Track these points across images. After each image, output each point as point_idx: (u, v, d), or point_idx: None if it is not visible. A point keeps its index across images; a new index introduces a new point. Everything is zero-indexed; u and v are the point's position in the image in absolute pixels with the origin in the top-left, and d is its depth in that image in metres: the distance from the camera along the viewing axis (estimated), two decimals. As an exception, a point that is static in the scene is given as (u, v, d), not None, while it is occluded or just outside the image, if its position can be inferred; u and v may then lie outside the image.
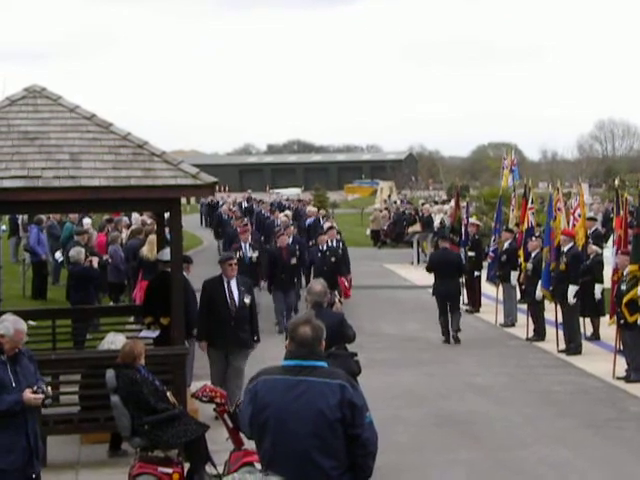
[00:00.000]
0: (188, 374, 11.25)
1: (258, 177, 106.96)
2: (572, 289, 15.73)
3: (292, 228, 21.88)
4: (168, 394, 8.98)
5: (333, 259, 18.61)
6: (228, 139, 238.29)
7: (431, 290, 17.96)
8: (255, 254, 18.15)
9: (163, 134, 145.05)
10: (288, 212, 30.74)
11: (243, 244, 18.37)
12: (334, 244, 19.29)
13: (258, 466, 6.04)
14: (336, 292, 17.31)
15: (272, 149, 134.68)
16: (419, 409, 12.52)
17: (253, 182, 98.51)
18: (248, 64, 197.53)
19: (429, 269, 18.17)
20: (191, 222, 41.87)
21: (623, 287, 13.66)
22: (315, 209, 32.30)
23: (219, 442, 9.20)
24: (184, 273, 11.24)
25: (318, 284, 9.33)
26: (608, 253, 18.75)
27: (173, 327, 10.31)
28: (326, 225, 22.75)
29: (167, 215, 11.25)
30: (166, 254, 11.21)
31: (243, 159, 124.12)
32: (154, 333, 11.26)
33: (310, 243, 22.78)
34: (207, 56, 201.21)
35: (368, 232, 39.89)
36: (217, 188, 11.60)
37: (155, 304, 11.29)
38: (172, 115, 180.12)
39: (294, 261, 18.60)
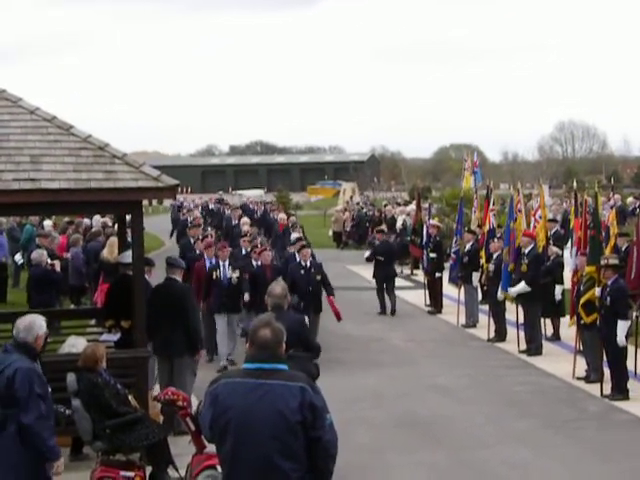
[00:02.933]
0: (150, 377, 11.18)
1: (221, 178, 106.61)
2: (522, 286, 15.89)
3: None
4: (130, 397, 8.94)
5: (319, 277, 16.22)
6: (191, 140, 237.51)
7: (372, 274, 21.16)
8: (236, 274, 15.50)
9: (125, 135, 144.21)
10: (246, 219, 27.56)
11: (222, 263, 15.57)
12: (315, 259, 17.24)
13: (220, 469, 6.04)
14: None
15: (235, 150, 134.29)
16: (381, 410, 12.57)
17: (216, 183, 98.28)
18: (211, 65, 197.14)
19: (369, 259, 21.40)
20: (153, 224, 41.62)
21: (582, 288, 13.82)
22: (285, 216, 29.26)
23: (181, 445, 9.18)
24: (145, 276, 11.19)
25: (278, 286, 9.33)
26: (567, 254, 18.96)
27: (134, 330, 10.27)
28: (294, 236, 20.44)
29: (129, 217, 11.19)
30: (127, 257, 11.14)
31: (206, 160, 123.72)
32: (115, 336, 11.18)
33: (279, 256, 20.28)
34: (170, 57, 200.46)
35: (330, 233, 39.94)
36: (179, 190, 11.59)
37: (116, 307, 11.20)
38: (134, 116, 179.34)
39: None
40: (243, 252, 17.68)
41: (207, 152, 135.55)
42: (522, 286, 16.01)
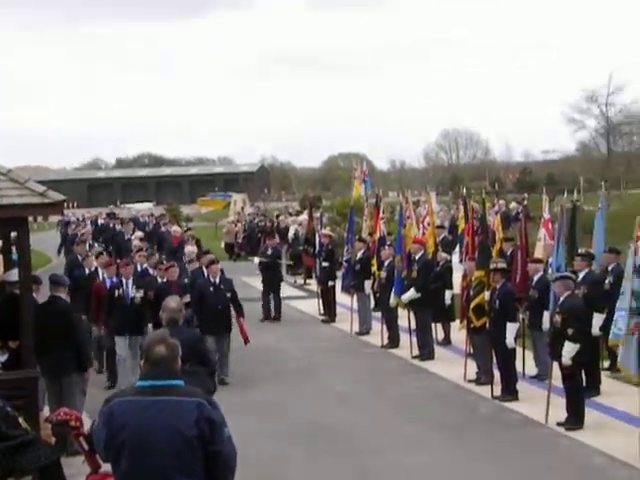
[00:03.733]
0: (40, 398, 10.91)
1: (108, 192, 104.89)
2: (411, 293, 16.19)
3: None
4: (20, 420, 8.69)
5: (229, 294, 15.44)
6: (75, 153, 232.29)
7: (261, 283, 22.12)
8: (140, 294, 14.50)
9: (6, 149, 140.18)
10: (140, 233, 27.10)
11: (124, 281, 14.63)
12: (224, 275, 16.27)
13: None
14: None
15: (121, 163, 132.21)
16: (281, 421, 12.56)
17: (103, 197, 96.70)
18: (94, 75, 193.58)
19: (262, 263, 22.38)
20: (39, 240, 40.62)
21: (472, 293, 14.14)
22: (180, 230, 27.94)
23: (75, 465, 8.98)
24: (33, 294, 10.92)
25: (172, 301, 9.23)
26: (456, 259, 19.38)
27: (23, 350, 10.00)
28: (188, 249, 19.11)
29: (14, 234, 10.90)
30: (14, 275, 10.85)
31: (92, 174, 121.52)
32: (2, 357, 10.87)
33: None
34: (51, 66, 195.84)
35: (222, 245, 39.77)
36: (66, 205, 11.33)
37: (3, 327, 10.89)
38: (15, 129, 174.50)
39: (187, 299, 14.62)
40: (139, 268, 16.51)
41: (93, 165, 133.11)
42: (412, 293, 16.29)
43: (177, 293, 13.63)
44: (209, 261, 15.92)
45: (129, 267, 14.92)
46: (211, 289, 15.27)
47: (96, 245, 22.18)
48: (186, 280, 15.86)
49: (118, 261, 16.73)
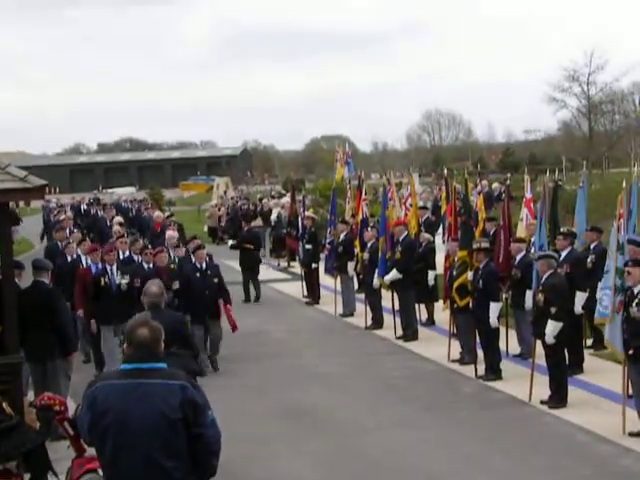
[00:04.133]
0: (24, 383, 10.89)
1: (90, 177, 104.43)
2: (393, 274, 16.23)
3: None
4: (4, 405, 8.69)
5: (216, 280, 15.05)
6: (57, 139, 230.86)
7: (239, 265, 22.31)
8: (125, 280, 13.96)
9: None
10: (119, 218, 25.88)
11: (108, 267, 14.25)
12: (212, 261, 16.09)
13: (101, 472, 5.95)
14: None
15: (103, 148, 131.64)
16: (264, 402, 12.61)
17: (85, 182, 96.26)
18: (76, 59, 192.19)
19: (234, 246, 23.14)
20: (21, 226, 40.43)
21: (455, 273, 14.19)
22: (162, 215, 27.13)
23: (60, 450, 8.99)
24: (16, 279, 10.88)
25: (154, 285, 9.23)
26: (439, 240, 19.43)
27: (6, 336, 9.96)
28: (169, 234, 18.07)
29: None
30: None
31: (73, 159, 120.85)
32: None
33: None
34: (31, 51, 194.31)
35: (205, 229, 39.71)
36: (48, 190, 11.25)
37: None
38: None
39: (176, 285, 14.41)
40: (121, 256, 15.88)
41: (74, 150, 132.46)
42: (394, 273, 16.32)
43: (166, 279, 13.33)
44: (196, 246, 15.62)
45: (112, 253, 14.56)
46: (198, 275, 14.83)
47: (75, 231, 21.22)
48: (172, 265, 15.33)
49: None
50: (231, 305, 15.19)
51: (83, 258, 15.71)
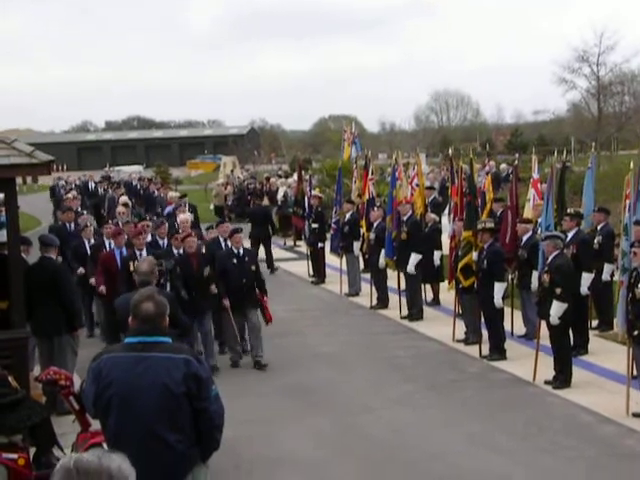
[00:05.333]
0: (30, 358, 10.96)
1: (97, 155, 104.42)
2: (414, 257, 16.20)
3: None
4: (10, 378, 8.73)
5: (253, 267, 13.68)
6: (64, 117, 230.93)
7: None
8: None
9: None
10: (125, 198, 23.97)
11: (138, 252, 13.00)
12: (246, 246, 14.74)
13: (106, 446, 5.98)
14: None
15: (111, 126, 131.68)
16: (268, 380, 12.64)
17: (92, 160, 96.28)
18: (82, 37, 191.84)
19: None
20: (29, 203, 40.54)
21: (460, 253, 14.18)
22: (176, 194, 25.33)
23: (65, 424, 9.04)
24: (23, 255, 10.92)
25: (144, 262, 9.25)
26: (445, 221, 19.40)
27: (12, 310, 10.01)
28: (183, 216, 16.61)
29: (1, 196, 10.86)
30: (1, 236, 10.84)
31: (81, 137, 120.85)
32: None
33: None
34: (40, 27, 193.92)
35: (212, 207, 39.68)
36: (55, 167, 11.24)
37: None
38: (4, 93, 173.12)
39: (207, 272, 13.33)
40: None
41: (82, 128, 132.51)
42: (414, 257, 16.21)
43: (197, 266, 13.06)
44: (232, 230, 14.18)
45: (142, 237, 13.44)
46: (234, 261, 13.45)
47: (84, 212, 20.30)
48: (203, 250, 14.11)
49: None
50: (267, 296, 13.85)
51: (107, 242, 14.84)
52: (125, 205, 19.62)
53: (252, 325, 13.46)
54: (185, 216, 16.81)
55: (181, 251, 13.51)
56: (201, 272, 13.17)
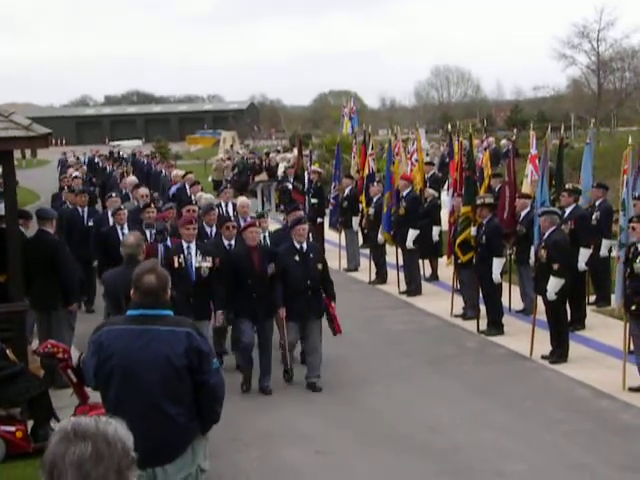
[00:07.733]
0: (28, 331, 10.98)
1: (96, 129, 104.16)
2: (412, 233, 16.19)
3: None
4: (8, 352, 8.76)
5: (320, 266, 11.15)
6: (63, 91, 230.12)
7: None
8: (207, 263, 10.62)
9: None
10: (133, 178, 21.43)
11: (185, 244, 10.72)
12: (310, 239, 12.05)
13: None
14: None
15: (110, 100, 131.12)
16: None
17: (91, 134, 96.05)
18: (81, 11, 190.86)
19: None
20: (27, 177, 40.46)
21: (458, 228, 14.18)
22: (180, 172, 23.31)
23: (64, 398, 9.07)
24: (22, 229, 10.92)
25: (131, 236, 9.15)
26: (445, 196, 19.37)
27: (10, 284, 10.02)
28: (242, 200, 14.30)
29: None
30: (0, 209, 10.84)
31: (80, 111, 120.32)
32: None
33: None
34: (34, 3, 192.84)
35: (210, 180, 39.59)
36: (53, 142, 11.20)
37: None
38: (3, 66, 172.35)
39: (271, 269, 10.94)
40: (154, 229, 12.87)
41: (81, 102, 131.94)
42: (412, 233, 16.19)
43: (259, 263, 10.81)
44: (294, 220, 11.61)
45: (191, 226, 10.81)
46: (296, 258, 10.98)
47: (94, 190, 18.87)
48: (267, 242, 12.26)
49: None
50: (335, 301, 11.45)
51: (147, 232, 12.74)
52: (138, 186, 17.70)
53: (313, 340, 11.14)
54: (244, 199, 14.54)
55: (232, 242, 11.72)
56: (263, 270, 10.90)
